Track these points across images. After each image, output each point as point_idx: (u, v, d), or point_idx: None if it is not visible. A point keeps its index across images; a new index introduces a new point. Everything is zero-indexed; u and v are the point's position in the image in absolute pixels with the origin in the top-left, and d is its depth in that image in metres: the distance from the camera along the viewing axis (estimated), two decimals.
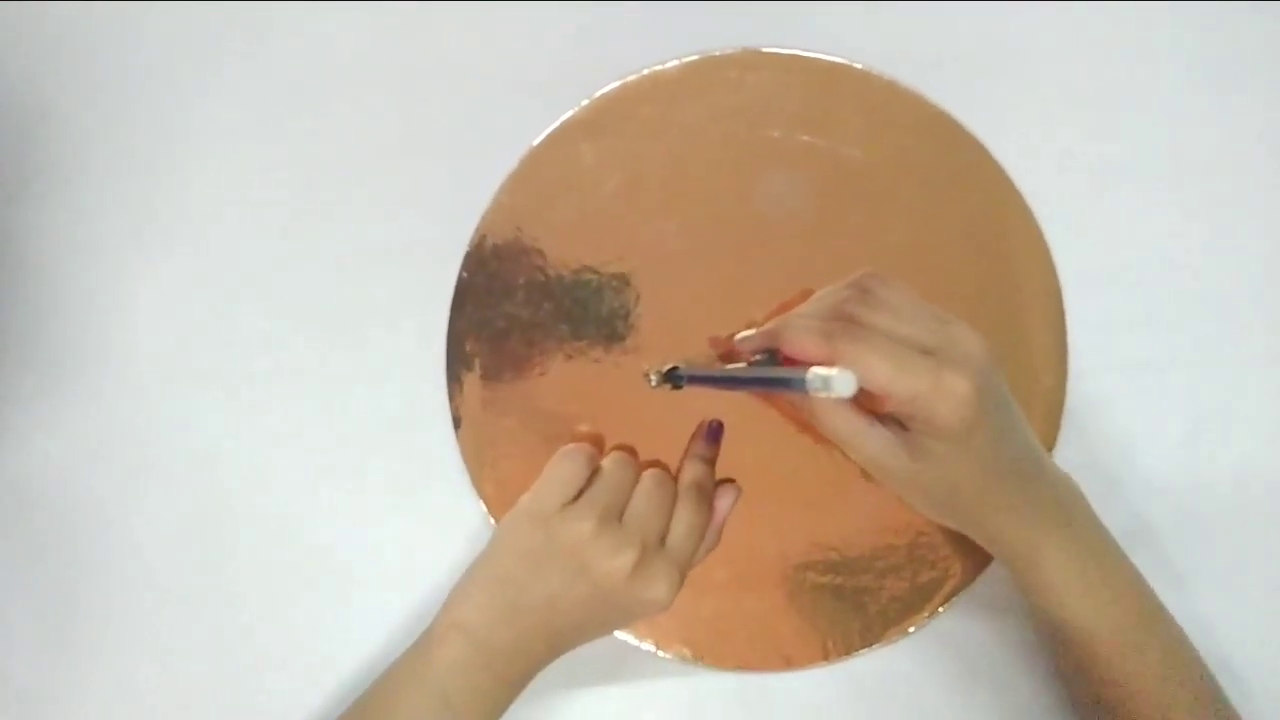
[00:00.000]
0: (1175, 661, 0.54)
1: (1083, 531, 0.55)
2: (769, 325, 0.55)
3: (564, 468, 0.57)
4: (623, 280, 0.64)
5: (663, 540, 0.56)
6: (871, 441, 0.51)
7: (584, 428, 0.63)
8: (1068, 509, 0.55)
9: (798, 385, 0.46)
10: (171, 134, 0.68)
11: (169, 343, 0.66)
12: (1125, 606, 0.54)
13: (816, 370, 0.45)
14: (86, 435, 0.65)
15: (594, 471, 0.57)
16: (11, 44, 0.69)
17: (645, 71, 0.66)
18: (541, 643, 0.56)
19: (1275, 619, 0.63)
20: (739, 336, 0.59)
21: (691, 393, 0.61)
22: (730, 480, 0.60)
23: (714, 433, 0.61)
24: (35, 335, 0.66)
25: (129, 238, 0.67)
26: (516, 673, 0.56)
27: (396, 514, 0.64)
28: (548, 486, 0.56)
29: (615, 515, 0.56)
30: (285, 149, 0.68)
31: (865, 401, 0.51)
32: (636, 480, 0.57)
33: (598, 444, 0.62)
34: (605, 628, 0.58)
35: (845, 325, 0.50)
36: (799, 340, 0.51)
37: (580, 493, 0.56)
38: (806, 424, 0.55)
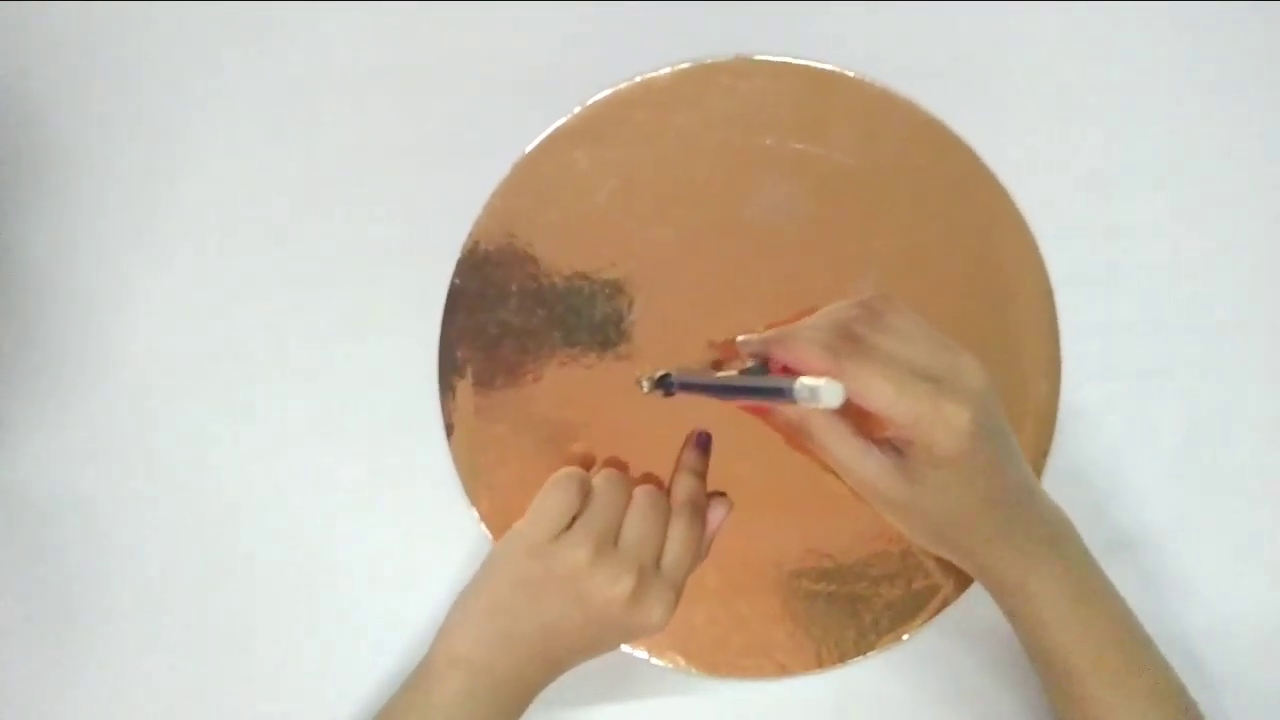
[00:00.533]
0: (1161, 694, 0.54)
1: (1073, 564, 0.54)
2: (773, 332, 0.55)
3: (557, 496, 0.56)
4: (616, 287, 0.64)
5: (657, 560, 0.56)
6: (868, 464, 0.51)
7: (576, 447, 0.63)
8: (1058, 541, 0.54)
9: (786, 394, 0.46)
10: (171, 134, 0.68)
11: (169, 343, 0.66)
12: (1114, 639, 0.54)
13: (804, 380, 0.45)
14: (86, 435, 0.65)
15: (586, 494, 0.57)
16: (10, 44, 0.69)
17: (638, 78, 0.66)
18: (539, 668, 0.56)
19: (1275, 625, 0.62)
20: (741, 337, 0.59)
21: (684, 400, 0.61)
22: (721, 493, 0.60)
23: (703, 443, 0.61)
24: (35, 335, 0.66)
25: (128, 238, 0.67)
26: (516, 698, 0.56)
27: (389, 518, 0.65)
28: (541, 516, 0.55)
29: (610, 540, 0.55)
30: (284, 149, 0.68)
31: (862, 425, 0.51)
32: (629, 498, 0.57)
33: (589, 462, 0.62)
34: (602, 649, 0.58)
35: (851, 343, 0.50)
36: (803, 351, 0.51)
37: (573, 519, 0.56)
38: (801, 444, 0.55)
